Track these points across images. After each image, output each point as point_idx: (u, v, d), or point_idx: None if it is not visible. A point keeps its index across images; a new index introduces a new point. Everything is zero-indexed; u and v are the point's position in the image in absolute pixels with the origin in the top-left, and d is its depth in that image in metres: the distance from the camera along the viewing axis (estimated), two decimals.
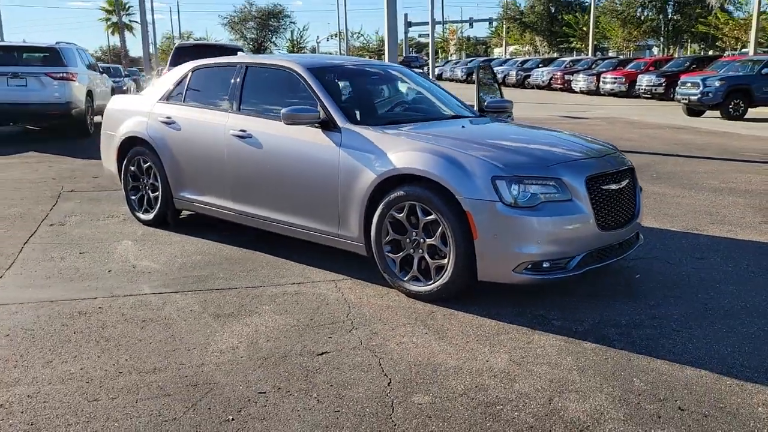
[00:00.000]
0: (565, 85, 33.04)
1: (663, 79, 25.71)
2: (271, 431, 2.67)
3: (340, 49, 64.95)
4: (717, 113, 18.22)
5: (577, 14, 51.05)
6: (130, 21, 64.85)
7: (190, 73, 5.73)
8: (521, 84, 37.32)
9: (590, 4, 43.26)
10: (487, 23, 60.76)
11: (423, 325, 3.74)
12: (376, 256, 4.29)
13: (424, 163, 4.00)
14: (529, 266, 3.80)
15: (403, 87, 5.83)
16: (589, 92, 30.68)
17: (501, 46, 73.58)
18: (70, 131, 12.60)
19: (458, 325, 3.75)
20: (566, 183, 3.87)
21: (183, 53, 13.05)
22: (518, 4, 58.14)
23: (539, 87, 35.10)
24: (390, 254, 4.23)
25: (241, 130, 4.99)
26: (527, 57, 43.13)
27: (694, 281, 4.49)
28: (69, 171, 8.95)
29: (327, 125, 4.54)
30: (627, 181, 4.32)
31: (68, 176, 8.55)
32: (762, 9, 30.18)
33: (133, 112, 6.01)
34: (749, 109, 18.18)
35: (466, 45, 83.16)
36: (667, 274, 4.63)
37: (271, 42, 67.11)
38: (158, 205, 5.80)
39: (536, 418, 2.78)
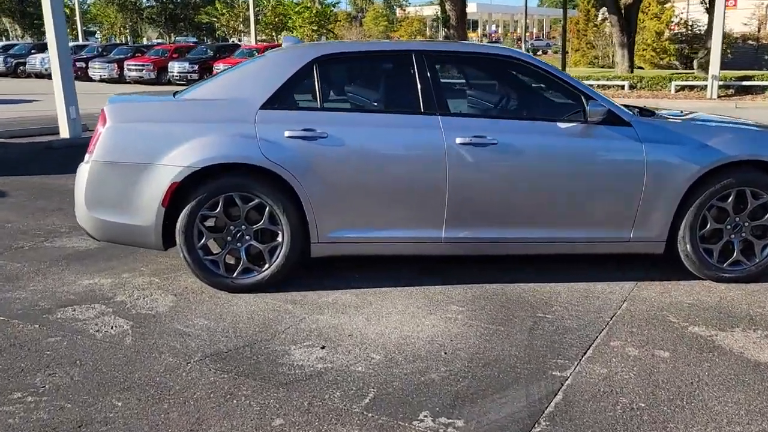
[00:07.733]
0: (80, 73, 30.27)
1: (196, 66, 27.18)
2: None
3: None
4: None
5: None
6: None
7: (315, 67, 4.00)
8: (14, 72, 32.57)
9: None
10: None
11: None
12: (690, 251, 4.12)
13: (761, 147, 4.08)
14: None
15: None
16: (111, 80, 29.23)
17: None
18: None
19: None
20: None
21: None
22: None
23: (39, 76, 30.86)
24: (702, 245, 4.16)
25: (476, 136, 3.91)
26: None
27: None
28: None
29: (604, 121, 4.05)
30: None
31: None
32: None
33: (201, 127, 3.85)
34: None
35: None
36: None
37: None
38: (278, 257, 3.96)
39: None
